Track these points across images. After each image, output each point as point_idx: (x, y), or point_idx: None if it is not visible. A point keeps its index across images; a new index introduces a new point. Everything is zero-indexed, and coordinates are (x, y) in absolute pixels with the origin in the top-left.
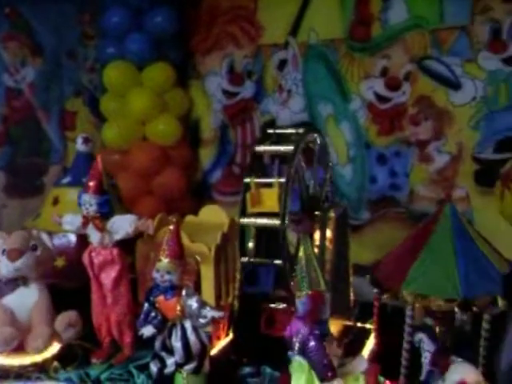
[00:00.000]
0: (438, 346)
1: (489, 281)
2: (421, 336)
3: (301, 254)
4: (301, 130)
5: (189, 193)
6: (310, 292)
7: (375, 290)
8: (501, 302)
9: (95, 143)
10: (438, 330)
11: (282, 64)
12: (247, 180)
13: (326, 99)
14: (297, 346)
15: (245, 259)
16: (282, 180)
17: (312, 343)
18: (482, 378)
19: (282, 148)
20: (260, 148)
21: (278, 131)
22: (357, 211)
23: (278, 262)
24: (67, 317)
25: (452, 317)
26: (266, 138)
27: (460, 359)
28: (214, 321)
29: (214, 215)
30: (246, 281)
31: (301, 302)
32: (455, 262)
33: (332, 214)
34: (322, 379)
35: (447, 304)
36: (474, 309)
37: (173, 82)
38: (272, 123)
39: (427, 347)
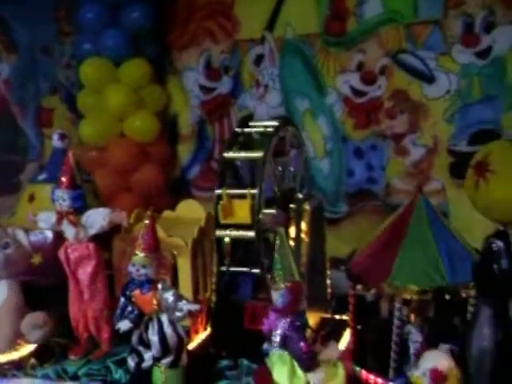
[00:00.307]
0: (425, 336)
1: (468, 267)
2: (409, 328)
3: (277, 247)
4: (270, 129)
5: (167, 189)
6: (288, 284)
7: (353, 284)
8: (472, 290)
9: (72, 140)
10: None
11: (259, 59)
12: (219, 191)
13: (302, 94)
14: (277, 338)
15: (224, 268)
16: (254, 191)
17: (294, 334)
18: (454, 365)
19: (250, 154)
20: (229, 155)
21: (247, 130)
22: (334, 204)
23: (256, 270)
24: (33, 318)
25: (427, 306)
26: (234, 141)
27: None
28: (191, 314)
29: (191, 210)
30: (225, 289)
31: (280, 295)
32: (437, 251)
33: (307, 207)
34: (305, 369)
35: (422, 294)
36: (447, 296)
37: (150, 77)
38: (250, 118)
39: (415, 338)
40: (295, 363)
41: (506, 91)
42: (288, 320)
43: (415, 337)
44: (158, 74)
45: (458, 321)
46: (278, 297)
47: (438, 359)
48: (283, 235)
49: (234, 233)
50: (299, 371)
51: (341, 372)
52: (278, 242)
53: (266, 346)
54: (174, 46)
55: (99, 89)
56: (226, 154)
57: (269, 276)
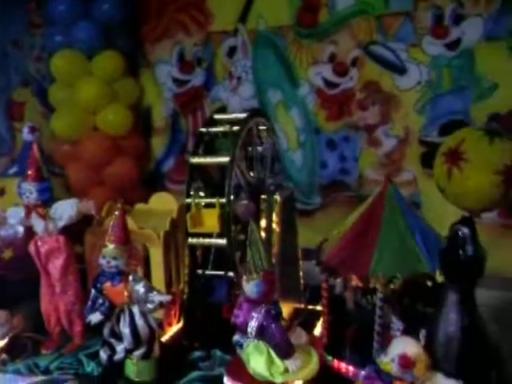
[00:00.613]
0: (406, 324)
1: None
2: (390, 317)
3: (248, 238)
4: (236, 127)
5: (141, 182)
6: (262, 274)
7: (324, 275)
8: (439, 276)
9: (44, 133)
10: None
11: (232, 51)
12: (188, 200)
13: (275, 86)
14: (254, 329)
15: (199, 271)
16: (223, 200)
17: (272, 324)
18: (422, 350)
19: (217, 160)
20: (195, 160)
21: (212, 130)
22: (308, 196)
23: (231, 274)
24: None
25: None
26: (200, 142)
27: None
28: (162, 305)
29: (164, 202)
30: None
31: (254, 285)
32: (414, 240)
33: (278, 197)
34: (282, 357)
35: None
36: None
37: (122, 70)
38: (223, 110)
39: (396, 326)
40: (271, 352)
41: (475, 82)
42: (263, 310)
43: (396, 325)
44: (131, 66)
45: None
46: (252, 287)
47: (407, 345)
48: (254, 226)
49: (207, 240)
50: (277, 359)
51: (315, 358)
52: (249, 233)
53: (237, 337)
54: (146, 39)
55: (71, 82)
56: (192, 160)
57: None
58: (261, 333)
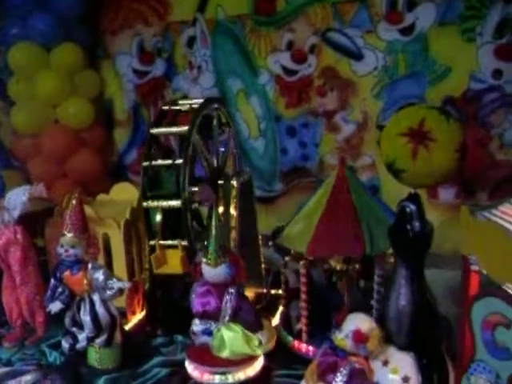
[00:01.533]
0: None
1: None
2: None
3: (209, 223)
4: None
5: (105, 174)
6: (228, 256)
7: (304, 264)
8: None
9: (5, 128)
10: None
11: (191, 41)
12: (152, 242)
13: (235, 74)
14: (229, 311)
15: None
16: (184, 243)
17: (244, 303)
18: (375, 325)
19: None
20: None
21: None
22: (271, 183)
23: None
24: None
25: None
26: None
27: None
28: (121, 292)
29: (125, 192)
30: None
31: (226, 266)
32: (386, 218)
33: (234, 182)
34: (255, 331)
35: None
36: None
37: (82, 62)
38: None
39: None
40: (244, 329)
41: (429, 67)
42: (234, 291)
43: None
44: (91, 58)
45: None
46: (223, 270)
47: (360, 321)
48: (215, 211)
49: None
50: (251, 335)
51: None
52: (211, 218)
53: (202, 326)
54: (106, 30)
55: (30, 75)
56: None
57: (200, 253)
58: (236, 313)
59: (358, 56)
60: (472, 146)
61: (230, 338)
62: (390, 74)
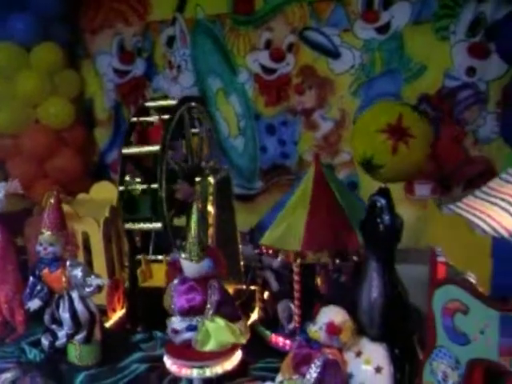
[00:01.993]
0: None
1: None
2: None
3: (190, 220)
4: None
5: (86, 174)
6: (208, 250)
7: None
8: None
9: None
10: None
11: (171, 40)
12: (139, 257)
13: (214, 73)
14: (214, 304)
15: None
16: (169, 258)
17: (226, 296)
18: (348, 318)
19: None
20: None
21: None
22: (251, 181)
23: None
24: None
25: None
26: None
27: None
28: (100, 289)
29: (105, 191)
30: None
31: (208, 260)
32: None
33: (211, 179)
34: (236, 320)
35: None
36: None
37: (62, 62)
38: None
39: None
40: (225, 320)
41: (405, 64)
42: (216, 285)
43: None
44: (71, 58)
45: None
46: (203, 265)
47: (333, 313)
48: (194, 208)
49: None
50: (232, 324)
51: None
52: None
53: (183, 323)
54: (86, 30)
55: (10, 75)
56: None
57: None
58: (219, 306)
59: (335, 54)
60: (447, 142)
61: (215, 330)
62: (367, 72)
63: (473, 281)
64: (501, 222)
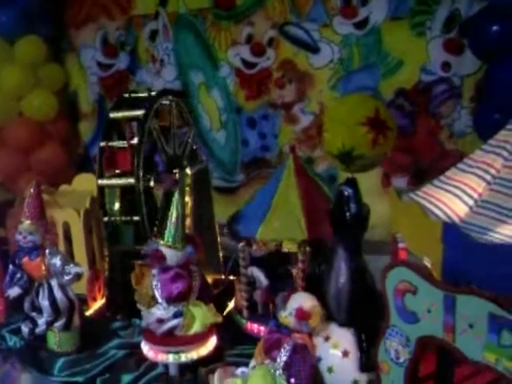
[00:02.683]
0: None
1: None
2: None
3: (172, 208)
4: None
5: (70, 167)
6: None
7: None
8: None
9: None
10: None
11: (154, 34)
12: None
13: (197, 67)
14: (196, 291)
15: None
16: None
17: (203, 280)
18: (317, 304)
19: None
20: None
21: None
22: (232, 174)
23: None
24: None
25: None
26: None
27: None
28: (79, 277)
29: (87, 183)
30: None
31: (189, 246)
32: None
33: (188, 171)
34: (209, 303)
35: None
36: None
37: (46, 55)
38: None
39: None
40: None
41: (382, 59)
42: (197, 270)
43: None
44: (55, 51)
45: None
46: (185, 252)
47: (303, 299)
48: (176, 196)
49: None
50: (208, 308)
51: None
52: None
53: (170, 310)
54: (70, 23)
55: None
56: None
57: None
58: (200, 291)
59: (314, 49)
60: (424, 136)
61: (199, 312)
62: (345, 67)
63: (428, 265)
64: (453, 208)
